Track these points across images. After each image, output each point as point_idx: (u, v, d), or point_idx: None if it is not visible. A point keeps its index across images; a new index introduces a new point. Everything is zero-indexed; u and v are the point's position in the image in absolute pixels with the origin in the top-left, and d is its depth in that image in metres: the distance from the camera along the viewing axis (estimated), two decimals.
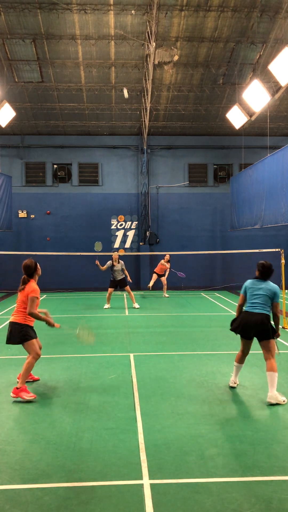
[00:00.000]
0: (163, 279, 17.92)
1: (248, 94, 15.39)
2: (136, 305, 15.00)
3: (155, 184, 21.78)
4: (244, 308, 6.59)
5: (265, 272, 6.56)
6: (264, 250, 13.72)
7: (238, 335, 6.65)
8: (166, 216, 21.83)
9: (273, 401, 6.00)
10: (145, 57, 16.49)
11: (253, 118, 17.25)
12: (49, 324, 6.65)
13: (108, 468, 4.38)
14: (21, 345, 6.59)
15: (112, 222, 21.74)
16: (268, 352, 6.28)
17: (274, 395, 6.04)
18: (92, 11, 14.34)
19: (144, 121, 19.79)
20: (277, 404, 6.01)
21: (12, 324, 6.57)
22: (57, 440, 4.99)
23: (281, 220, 13.63)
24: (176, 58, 15.25)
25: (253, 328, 6.30)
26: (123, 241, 21.78)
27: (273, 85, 16.27)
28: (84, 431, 5.23)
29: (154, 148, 21.71)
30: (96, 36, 15.52)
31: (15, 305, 6.75)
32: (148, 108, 18.32)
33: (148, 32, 14.89)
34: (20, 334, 6.50)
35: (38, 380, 7.16)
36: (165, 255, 17.78)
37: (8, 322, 6.80)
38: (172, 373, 7.52)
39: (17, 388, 6.29)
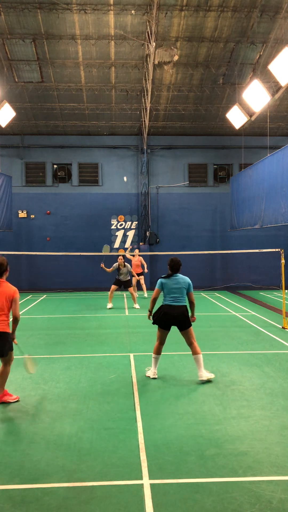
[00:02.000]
0: (141, 278, 17.42)
1: (248, 94, 15.40)
2: (137, 306, 14.99)
3: (155, 184, 21.78)
4: (163, 302, 7.12)
5: (175, 266, 7.15)
6: (264, 250, 13.73)
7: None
8: (166, 216, 21.84)
9: (205, 379, 6.91)
10: (145, 57, 16.49)
11: (253, 118, 17.25)
12: (12, 336, 6.30)
13: (108, 468, 4.38)
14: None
15: (112, 222, 21.74)
16: (191, 338, 7.04)
17: (203, 373, 6.95)
18: (92, 11, 14.34)
19: (144, 121, 19.80)
20: (208, 381, 6.94)
21: (3, 334, 6.06)
22: (57, 440, 4.99)
23: (281, 220, 13.64)
24: (176, 58, 15.25)
25: (175, 319, 6.96)
26: (123, 241, 21.79)
27: (273, 85, 16.27)
28: (84, 431, 5.23)
29: (154, 148, 21.72)
30: (96, 36, 15.52)
31: None
32: (148, 108, 18.33)
33: (148, 32, 14.90)
34: (9, 344, 6.11)
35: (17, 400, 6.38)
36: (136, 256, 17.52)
37: None
38: (172, 373, 7.52)
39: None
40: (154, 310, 7.31)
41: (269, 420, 5.51)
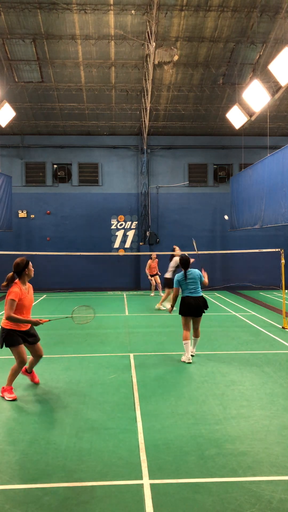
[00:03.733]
0: (156, 278, 18.06)
1: (248, 94, 15.40)
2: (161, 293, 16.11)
3: (155, 184, 21.78)
4: (183, 295, 8.29)
5: (186, 263, 8.34)
6: (264, 250, 13.73)
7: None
8: (166, 216, 21.83)
9: (187, 361, 8.05)
10: (145, 57, 16.49)
11: (253, 118, 17.25)
12: (35, 324, 6.36)
13: (108, 468, 4.38)
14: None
15: (112, 222, 21.74)
16: (198, 323, 8.33)
17: (188, 356, 8.12)
18: (92, 11, 14.34)
19: (144, 121, 19.80)
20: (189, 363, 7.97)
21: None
22: (57, 440, 4.99)
23: (281, 220, 13.64)
24: (176, 58, 15.24)
25: (197, 308, 8.14)
26: (123, 241, 21.79)
27: (273, 85, 16.27)
28: (84, 431, 5.23)
29: (154, 148, 21.72)
30: (96, 36, 15.52)
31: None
32: (148, 108, 18.33)
33: (148, 32, 14.90)
34: (1, 339, 6.30)
35: (38, 383, 6.98)
36: (151, 255, 18.07)
37: None
38: (172, 373, 7.52)
39: (3, 387, 6.42)
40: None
41: (269, 420, 5.51)
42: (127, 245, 21.76)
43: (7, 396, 6.30)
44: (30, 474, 4.28)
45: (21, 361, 6.31)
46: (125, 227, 21.81)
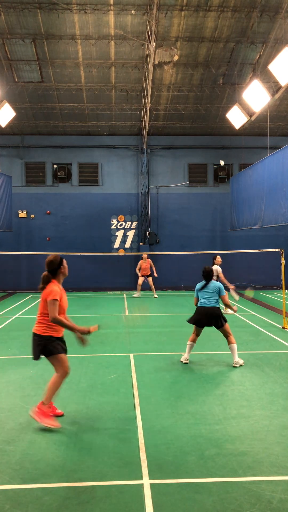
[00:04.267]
0: (150, 280, 18.04)
1: (248, 94, 15.39)
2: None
3: (155, 184, 21.78)
4: (198, 304, 8.19)
5: (207, 275, 8.13)
6: (264, 250, 13.74)
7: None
8: (166, 216, 21.83)
9: (238, 365, 7.91)
10: (145, 57, 16.49)
11: (253, 118, 17.25)
12: (83, 332, 5.38)
13: (108, 468, 4.38)
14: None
15: (112, 222, 21.74)
16: (226, 332, 8.06)
17: (238, 361, 7.98)
18: (92, 11, 14.34)
19: (144, 121, 19.80)
20: (240, 366, 7.90)
21: (32, 335, 5.56)
22: (57, 440, 4.99)
23: (281, 220, 13.64)
24: (176, 58, 15.25)
25: (209, 318, 8.01)
26: (123, 241, 21.78)
27: (273, 85, 16.27)
28: (84, 431, 5.23)
29: (154, 148, 21.71)
30: (96, 36, 15.51)
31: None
32: (148, 108, 18.33)
33: (148, 32, 14.90)
34: (38, 348, 5.46)
35: (62, 415, 5.74)
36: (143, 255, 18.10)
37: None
38: (172, 373, 7.52)
39: (38, 408, 5.40)
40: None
41: (269, 420, 5.51)
42: (127, 245, 21.75)
43: (46, 421, 5.29)
44: (30, 474, 4.28)
45: (65, 370, 5.45)
46: (125, 227, 21.80)
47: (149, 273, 17.93)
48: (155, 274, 17.97)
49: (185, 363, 8.14)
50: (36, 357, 5.53)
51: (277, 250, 12.16)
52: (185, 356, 8.23)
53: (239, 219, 18.59)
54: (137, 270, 18.05)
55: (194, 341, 8.26)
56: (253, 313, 13.90)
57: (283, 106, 19.31)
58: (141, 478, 4.19)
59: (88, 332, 5.40)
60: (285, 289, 12.44)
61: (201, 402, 6.12)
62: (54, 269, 5.59)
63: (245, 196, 17.68)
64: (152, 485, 4.07)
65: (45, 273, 5.59)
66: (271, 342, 9.83)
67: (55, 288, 5.43)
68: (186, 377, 7.30)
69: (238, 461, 4.47)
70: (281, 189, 13.60)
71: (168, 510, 3.71)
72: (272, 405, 6.01)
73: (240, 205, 18.53)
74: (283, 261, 11.47)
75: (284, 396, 6.35)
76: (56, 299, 5.32)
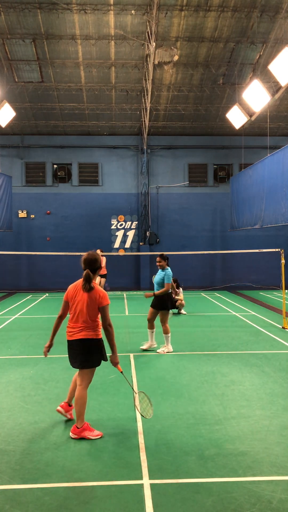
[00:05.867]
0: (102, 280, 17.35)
1: (248, 94, 15.39)
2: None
3: (155, 184, 21.78)
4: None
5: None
6: (264, 250, 13.73)
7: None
8: (166, 216, 21.83)
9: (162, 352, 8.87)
10: (145, 57, 16.49)
11: (253, 118, 17.25)
12: (113, 361, 5.26)
13: (108, 468, 4.38)
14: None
15: (112, 222, 21.74)
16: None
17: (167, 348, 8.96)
18: (92, 11, 14.34)
19: (144, 121, 19.80)
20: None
21: (77, 343, 5.18)
22: (57, 440, 4.99)
23: (281, 220, 13.63)
24: (176, 58, 15.25)
25: None
26: (123, 241, 21.78)
27: (273, 85, 16.27)
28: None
29: (154, 148, 21.72)
30: (96, 36, 15.52)
31: (69, 313, 5.46)
32: (148, 108, 18.33)
33: (148, 32, 14.90)
34: (100, 354, 5.18)
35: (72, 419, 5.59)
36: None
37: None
38: (172, 373, 7.52)
39: (77, 428, 5.03)
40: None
41: (269, 420, 5.51)
42: (127, 245, 21.76)
43: (91, 435, 5.01)
44: (30, 474, 4.28)
45: (90, 381, 5.26)
46: (125, 227, 21.81)
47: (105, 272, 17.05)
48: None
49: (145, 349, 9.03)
50: (97, 363, 5.17)
51: (277, 250, 12.16)
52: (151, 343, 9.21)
53: (239, 219, 18.59)
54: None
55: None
56: (253, 313, 13.90)
57: (283, 106, 19.31)
58: (141, 478, 4.19)
59: (116, 364, 5.29)
60: (285, 289, 12.44)
61: (201, 402, 6.12)
62: (96, 268, 5.19)
63: (245, 196, 17.68)
64: (152, 485, 4.06)
65: (87, 271, 5.09)
66: (271, 342, 9.83)
67: (105, 292, 5.13)
68: (186, 377, 7.30)
69: (238, 461, 4.47)
70: (281, 189, 13.60)
71: (168, 510, 3.70)
72: (272, 405, 6.01)
73: (240, 205, 18.53)
74: (283, 261, 11.47)
75: (284, 396, 6.35)
76: (108, 304, 5.05)
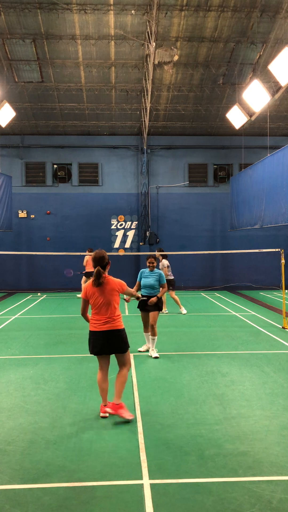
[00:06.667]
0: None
1: (248, 94, 15.40)
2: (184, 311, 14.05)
3: (155, 184, 21.78)
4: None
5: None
6: (264, 250, 13.73)
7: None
8: (166, 216, 21.83)
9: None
10: (145, 57, 16.49)
11: (253, 118, 17.25)
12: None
13: (108, 468, 4.38)
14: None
15: (112, 222, 21.74)
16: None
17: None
18: (92, 11, 14.34)
19: (144, 121, 19.80)
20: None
21: (108, 333, 5.56)
22: (57, 440, 4.99)
23: (281, 220, 13.63)
24: (176, 58, 15.24)
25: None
26: (123, 241, 21.79)
27: (273, 85, 16.27)
28: (84, 431, 5.23)
29: (154, 148, 21.72)
30: (96, 36, 15.52)
31: (91, 309, 5.73)
32: (148, 108, 18.33)
33: (148, 32, 14.90)
34: (125, 341, 5.66)
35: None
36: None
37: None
38: (172, 373, 7.52)
39: (116, 404, 5.52)
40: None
41: (269, 420, 5.51)
42: (127, 245, 21.76)
43: (125, 414, 5.48)
44: (30, 474, 4.28)
45: (130, 362, 5.87)
46: (125, 227, 21.81)
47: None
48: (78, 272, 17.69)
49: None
50: (125, 349, 5.67)
51: (277, 250, 12.16)
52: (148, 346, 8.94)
53: (239, 219, 18.59)
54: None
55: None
56: (253, 313, 13.90)
57: (283, 106, 19.31)
58: (141, 478, 4.19)
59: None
60: (285, 289, 12.44)
61: (201, 402, 6.12)
62: (106, 264, 5.70)
63: (245, 196, 17.67)
64: (152, 485, 4.07)
65: (98, 268, 5.60)
66: (271, 342, 9.83)
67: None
68: (186, 377, 7.30)
69: (238, 461, 4.47)
70: (281, 189, 13.60)
71: (168, 510, 3.71)
72: (272, 405, 6.01)
73: (240, 205, 18.52)
74: (283, 261, 11.47)
75: (284, 396, 6.35)
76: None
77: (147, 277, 8.70)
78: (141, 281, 8.73)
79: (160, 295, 8.57)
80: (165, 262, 14.30)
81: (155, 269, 8.71)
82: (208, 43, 15.95)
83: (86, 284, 5.71)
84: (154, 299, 8.47)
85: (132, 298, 7.08)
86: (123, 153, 21.83)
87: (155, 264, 8.66)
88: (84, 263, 17.92)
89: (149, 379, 7.17)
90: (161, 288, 8.67)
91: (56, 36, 15.49)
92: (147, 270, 8.72)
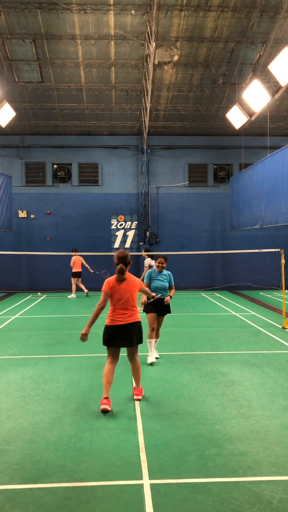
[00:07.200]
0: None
1: (248, 94, 15.39)
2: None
3: (155, 184, 21.78)
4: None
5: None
6: (264, 250, 13.74)
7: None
8: (166, 216, 21.83)
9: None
10: (145, 57, 16.49)
11: (253, 118, 17.25)
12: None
13: (108, 468, 4.38)
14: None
15: (112, 222, 21.74)
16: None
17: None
18: (92, 11, 14.34)
19: (144, 121, 19.80)
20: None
21: (132, 325, 6.05)
22: (57, 440, 4.99)
23: (281, 220, 13.63)
24: (176, 58, 15.24)
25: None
26: (123, 241, 21.78)
27: (273, 85, 16.27)
28: (84, 431, 5.23)
29: (154, 148, 21.72)
30: (96, 36, 15.52)
31: (111, 304, 6.07)
32: (148, 108, 18.33)
33: (148, 32, 14.90)
34: (141, 333, 6.22)
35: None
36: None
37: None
38: (172, 373, 7.52)
39: (138, 389, 6.36)
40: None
41: (269, 420, 5.51)
42: (127, 245, 21.76)
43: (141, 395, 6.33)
44: (30, 474, 4.28)
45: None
46: (125, 227, 21.81)
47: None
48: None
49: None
50: (142, 340, 6.23)
51: (277, 250, 12.16)
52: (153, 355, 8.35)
53: (239, 219, 18.59)
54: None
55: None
56: (253, 313, 13.90)
57: (283, 106, 19.31)
58: (141, 478, 4.19)
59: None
60: (285, 289, 12.44)
61: (201, 402, 6.12)
62: (128, 262, 6.09)
63: (245, 196, 17.67)
64: (152, 485, 4.07)
65: (121, 265, 5.99)
66: (271, 342, 9.83)
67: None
68: (186, 377, 7.30)
69: (238, 461, 4.47)
70: (281, 189, 13.60)
71: (168, 510, 3.71)
72: (272, 405, 6.01)
73: (240, 205, 18.52)
74: (283, 261, 11.47)
75: (284, 396, 6.35)
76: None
77: (158, 279, 8.28)
78: (152, 284, 8.27)
79: (172, 295, 8.33)
80: (150, 261, 14.54)
81: (163, 270, 8.36)
82: (208, 43, 15.95)
83: (109, 279, 6.04)
84: (169, 298, 8.22)
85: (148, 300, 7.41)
86: (123, 153, 21.83)
87: (164, 265, 8.29)
88: (71, 264, 18.21)
89: (149, 379, 7.17)
90: (171, 289, 8.41)
91: (56, 36, 15.49)
92: (155, 271, 8.29)
